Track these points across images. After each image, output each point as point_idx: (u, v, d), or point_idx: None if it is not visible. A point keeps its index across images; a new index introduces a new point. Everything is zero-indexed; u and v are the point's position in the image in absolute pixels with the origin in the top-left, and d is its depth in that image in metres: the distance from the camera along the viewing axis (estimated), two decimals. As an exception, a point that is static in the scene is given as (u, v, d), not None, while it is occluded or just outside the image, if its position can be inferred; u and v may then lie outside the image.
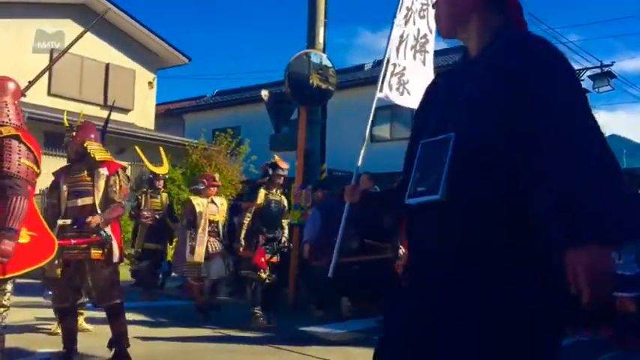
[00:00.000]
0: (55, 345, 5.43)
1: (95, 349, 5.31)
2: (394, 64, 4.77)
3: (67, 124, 5.43)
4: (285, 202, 7.81)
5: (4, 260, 3.29)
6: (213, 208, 8.09)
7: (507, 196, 1.65)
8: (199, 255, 7.80)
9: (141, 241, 9.53)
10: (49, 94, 17.37)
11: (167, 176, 10.63)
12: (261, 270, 7.28)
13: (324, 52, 9.91)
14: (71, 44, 4.60)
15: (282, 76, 9.82)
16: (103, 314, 5.21)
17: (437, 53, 5.18)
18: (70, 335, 5.09)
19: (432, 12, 2.82)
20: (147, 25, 19.92)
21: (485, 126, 1.70)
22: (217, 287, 8.39)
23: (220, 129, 19.44)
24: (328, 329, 7.21)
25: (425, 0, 4.80)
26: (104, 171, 5.01)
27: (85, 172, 5.04)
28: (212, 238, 7.98)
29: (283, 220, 7.76)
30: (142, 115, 19.88)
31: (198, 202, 8.01)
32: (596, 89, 20.15)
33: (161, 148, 10.08)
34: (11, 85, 3.75)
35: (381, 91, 4.42)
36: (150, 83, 20.47)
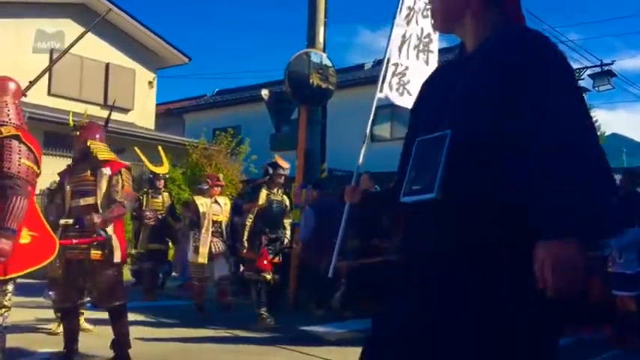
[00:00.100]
0: (56, 345, 5.43)
1: (96, 349, 5.31)
2: (396, 64, 4.75)
3: (72, 123, 5.42)
4: (287, 202, 7.77)
5: (2, 260, 3.29)
6: (216, 208, 8.09)
7: (504, 193, 1.64)
8: (203, 256, 7.79)
9: (144, 242, 9.49)
10: (50, 94, 17.36)
11: (167, 176, 10.63)
12: (266, 272, 7.26)
13: (324, 51, 9.91)
14: (72, 44, 4.59)
15: (282, 75, 9.82)
16: (103, 314, 5.21)
17: (442, 52, 5.16)
18: (71, 335, 5.09)
19: None
20: (147, 25, 19.94)
21: (482, 120, 1.68)
22: (226, 287, 8.37)
23: (220, 128, 19.44)
24: (329, 329, 7.20)
25: None
26: (107, 170, 5.00)
27: (89, 172, 5.03)
28: (215, 238, 7.97)
29: (285, 220, 7.72)
30: (142, 114, 19.87)
31: (202, 202, 8.00)
32: (596, 88, 20.14)
33: (160, 148, 10.07)
34: (12, 85, 3.75)
35: (381, 91, 4.42)
36: (150, 83, 20.46)
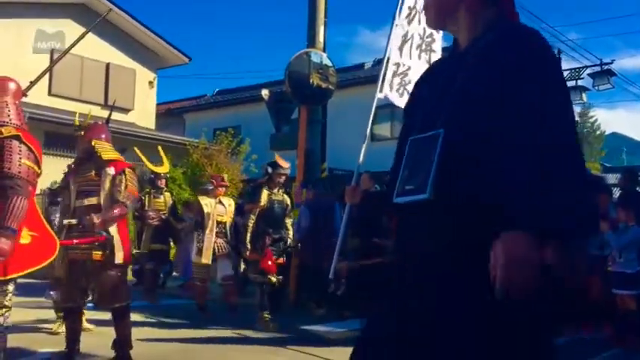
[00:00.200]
0: (57, 345, 5.43)
1: (97, 348, 5.31)
2: (397, 64, 4.74)
3: (77, 123, 5.42)
4: (288, 201, 7.72)
5: (1, 259, 3.29)
6: (220, 208, 8.08)
7: (497, 192, 1.60)
8: (207, 257, 7.78)
9: (147, 243, 9.47)
10: (50, 94, 17.37)
11: (168, 175, 10.63)
12: (271, 273, 7.23)
13: (324, 51, 9.92)
14: (73, 44, 4.59)
15: (282, 75, 9.82)
16: (104, 314, 5.21)
17: (445, 50, 5.14)
18: (73, 335, 5.09)
19: None
20: (147, 25, 19.96)
21: (476, 119, 1.66)
22: (232, 287, 8.36)
23: (221, 128, 19.45)
24: (329, 328, 7.21)
25: None
26: (111, 170, 4.99)
27: (93, 172, 5.04)
28: (219, 239, 7.96)
29: (287, 220, 7.67)
30: (143, 114, 19.88)
31: (207, 203, 7.99)
32: (596, 87, 20.14)
33: (160, 148, 10.07)
34: (12, 85, 3.75)
35: (380, 91, 4.41)
36: (150, 83, 20.46)
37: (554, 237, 1.52)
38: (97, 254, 4.82)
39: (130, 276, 9.66)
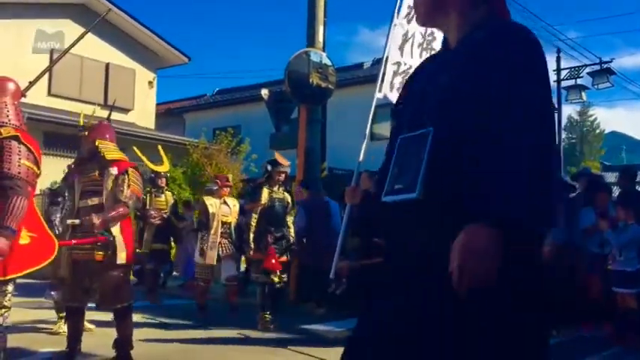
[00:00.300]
0: (57, 345, 5.44)
1: (97, 348, 5.32)
2: (397, 63, 4.73)
3: (82, 123, 5.41)
4: (289, 199, 7.68)
5: (0, 259, 3.29)
6: (225, 209, 8.08)
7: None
8: (211, 257, 7.77)
9: (148, 243, 9.46)
10: (49, 94, 17.36)
11: (168, 174, 10.63)
12: (273, 273, 7.21)
13: (323, 50, 9.91)
14: (72, 45, 4.59)
15: (282, 74, 9.82)
16: (105, 314, 5.21)
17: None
18: (75, 334, 5.09)
19: None
20: (147, 25, 19.94)
21: (466, 117, 1.65)
22: (235, 288, 8.36)
23: (221, 128, 19.45)
24: (329, 327, 7.21)
25: None
26: (113, 170, 4.99)
27: (97, 172, 5.04)
28: (224, 239, 7.96)
29: (288, 218, 7.64)
30: (143, 114, 19.87)
31: (211, 203, 7.98)
32: (596, 86, 20.17)
33: (160, 147, 10.07)
34: (11, 86, 3.75)
35: (380, 91, 4.41)
36: (150, 83, 20.46)
37: (507, 226, 1.51)
38: (99, 254, 4.82)
39: (131, 276, 9.67)
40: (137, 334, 5.24)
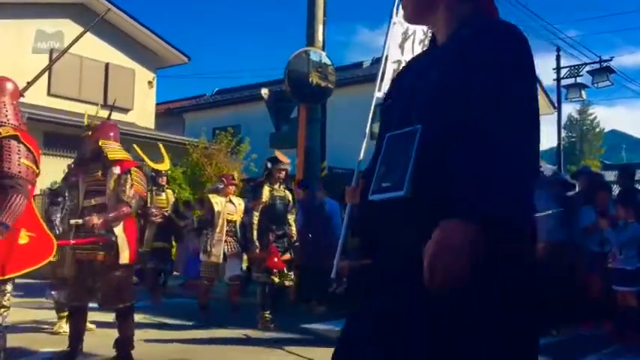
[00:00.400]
0: (57, 344, 5.44)
1: (98, 348, 5.32)
2: (398, 62, 4.71)
3: (86, 122, 5.41)
4: (290, 197, 7.66)
5: None
6: (231, 207, 8.08)
7: None
8: (217, 255, 7.76)
9: (149, 241, 9.44)
10: (49, 94, 17.36)
11: (169, 173, 10.63)
12: (275, 273, 7.18)
13: (323, 49, 9.91)
14: (70, 45, 4.59)
15: (281, 74, 9.83)
16: (106, 315, 5.21)
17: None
18: (76, 334, 5.09)
19: None
20: (146, 25, 19.93)
21: (454, 114, 1.63)
22: (237, 287, 8.34)
23: (220, 128, 19.43)
24: (330, 326, 7.20)
25: None
26: (116, 170, 4.99)
27: (100, 172, 5.04)
28: (229, 238, 7.96)
29: (289, 216, 7.61)
30: (142, 114, 19.86)
31: (217, 201, 7.99)
32: (596, 84, 20.17)
33: (161, 145, 10.07)
34: (9, 86, 3.75)
35: (379, 90, 4.40)
36: (149, 83, 20.45)
37: (488, 223, 1.48)
38: (101, 254, 4.83)
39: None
40: (137, 333, 5.24)
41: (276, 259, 7.14)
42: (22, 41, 17.06)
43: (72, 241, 4.79)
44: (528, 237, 1.68)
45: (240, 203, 8.28)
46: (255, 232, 7.26)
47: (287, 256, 7.43)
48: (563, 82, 20.91)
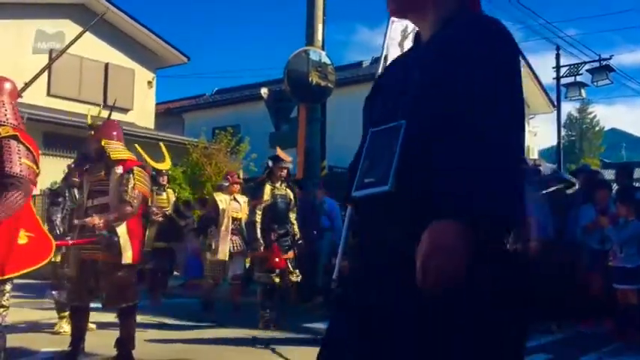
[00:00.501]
0: (58, 344, 5.44)
1: (99, 347, 5.32)
2: None
3: (89, 122, 5.41)
4: (292, 196, 7.60)
5: None
6: (235, 205, 8.08)
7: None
8: (223, 253, 7.74)
9: (150, 241, 9.42)
10: (49, 94, 17.36)
11: (169, 172, 10.63)
12: (276, 272, 7.17)
13: (322, 49, 9.91)
14: (69, 45, 4.59)
15: (281, 73, 9.82)
16: (106, 315, 5.21)
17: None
18: (78, 333, 5.09)
19: None
20: (146, 25, 19.92)
21: (438, 110, 1.61)
22: (239, 286, 8.33)
23: (220, 127, 19.42)
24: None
25: None
26: (119, 170, 4.99)
27: (103, 172, 5.04)
28: (234, 236, 7.95)
29: (291, 215, 7.55)
30: (142, 114, 19.86)
31: (222, 199, 7.98)
32: (595, 83, 20.17)
33: (162, 144, 10.06)
34: (8, 86, 3.74)
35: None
36: (149, 82, 20.45)
37: (478, 224, 1.47)
38: (102, 254, 4.84)
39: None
40: (137, 333, 5.24)
41: (277, 259, 7.12)
42: (22, 41, 17.06)
43: (70, 242, 4.79)
44: (519, 235, 1.68)
45: (244, 201, 8.26)
46: (258, 231, 7.21)
47: (290, 254, 7.40)
48: (563, 80, 20.92)
